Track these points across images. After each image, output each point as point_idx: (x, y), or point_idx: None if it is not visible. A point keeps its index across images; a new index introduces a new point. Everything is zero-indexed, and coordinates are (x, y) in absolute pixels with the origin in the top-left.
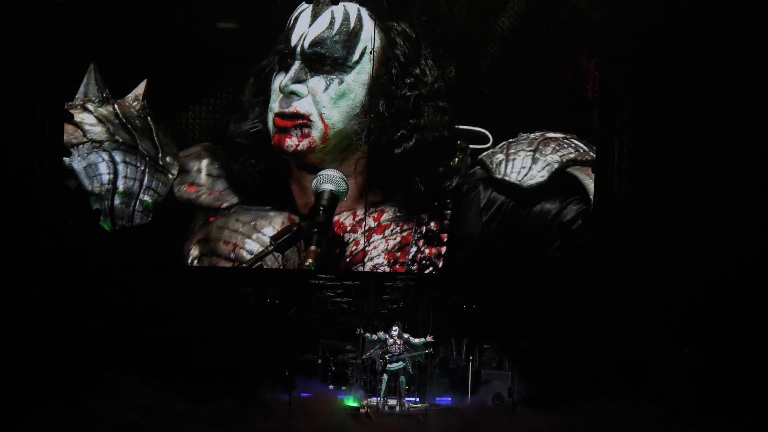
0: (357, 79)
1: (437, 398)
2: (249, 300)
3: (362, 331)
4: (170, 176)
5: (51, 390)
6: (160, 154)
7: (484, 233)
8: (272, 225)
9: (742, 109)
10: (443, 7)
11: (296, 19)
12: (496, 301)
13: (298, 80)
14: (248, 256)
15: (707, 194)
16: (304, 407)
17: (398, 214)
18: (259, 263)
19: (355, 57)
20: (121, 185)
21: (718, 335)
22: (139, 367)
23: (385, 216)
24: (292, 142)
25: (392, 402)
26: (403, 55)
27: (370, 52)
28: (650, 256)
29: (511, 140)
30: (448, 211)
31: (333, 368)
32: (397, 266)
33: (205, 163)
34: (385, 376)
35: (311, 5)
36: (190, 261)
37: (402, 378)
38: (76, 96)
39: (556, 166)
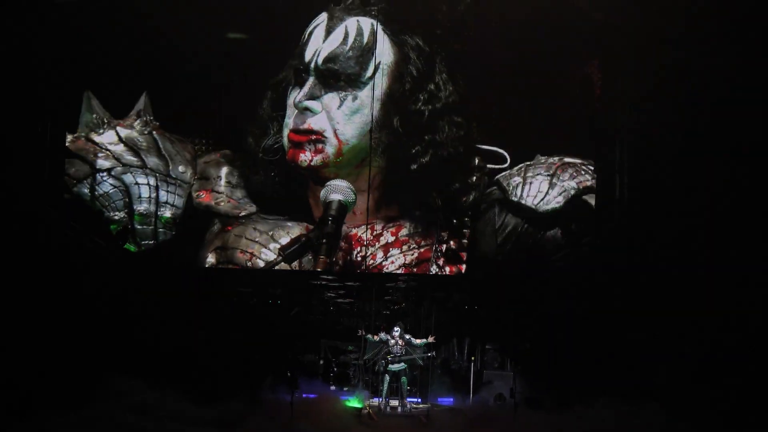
0: (371, 95)
1: (439, 399)
2: (251, 301)
3: (364, 333)
4: (185, 186)
5: (54, 392)
6: (170, 167)
7: (498, 254)
8: (289, 235)
9: (744, 110)
10: (457, 20)
11: (311, 33)
12: (498, 303)
13: (312, 96)
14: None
15: (708, 196)
16: (306, 408)
17: (416, 229)
18: None
19: (369, 73)
20: (136, 208)
21: (718, 336)
22: (140, 368)
23: (403, 231)
24: (306, 157)
25: (394, 403)
26: (416, 70)
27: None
28: (650, 258)
29: (528, 163)
30: (466, 230)
31: (335, 369)
32: None
33: (224, 171)
34: (387, 377)
35: (325, 20)
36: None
37: (404, 379)
38: (78, 129)
39: (572, 192)
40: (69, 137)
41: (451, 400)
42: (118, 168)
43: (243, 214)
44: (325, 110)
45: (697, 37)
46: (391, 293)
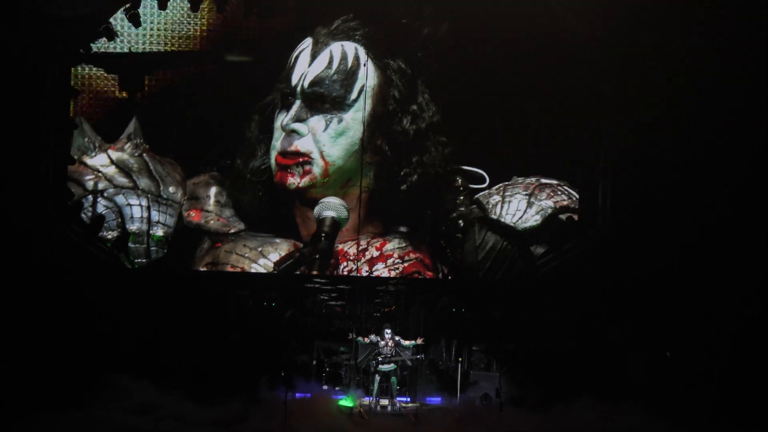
0: (356, 117)
1: (428, 398)
2: (246, 303)
3: (355, 336)
4: (176, 205)
5: (54, 392)
6: (161, 188)
7: (479, 270)
8: (278, 251)
9: (727, 121)
10: (439, 43)
11: (296, 58)
12: (484, 306)
13: (298, 119)
14: None
15: (692, 201)
16: (299, 407)
17: (401, 245)
18: None
19: (353, 95)
20: (129, 227)
21: (698, 337)
22: (135, 368)
23: (388, 246)
24: (294, 180)
25: (384, 402)
26: (399, 92)
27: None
28: (633, 261)
29: (507, 183)
30: (449, 250)
31: (327, 369)
32: None
33: (213, 191)
34: (377, 377)
35: (310, 45)
36: None
37: (393, 379)
38: (71, 152)
39: (549, 211)
40: None
41: (439, 399)
42: (111, 190)
43: (232, 231)
44: (311, 132)
45: (682, 50)
46: (381, 296)
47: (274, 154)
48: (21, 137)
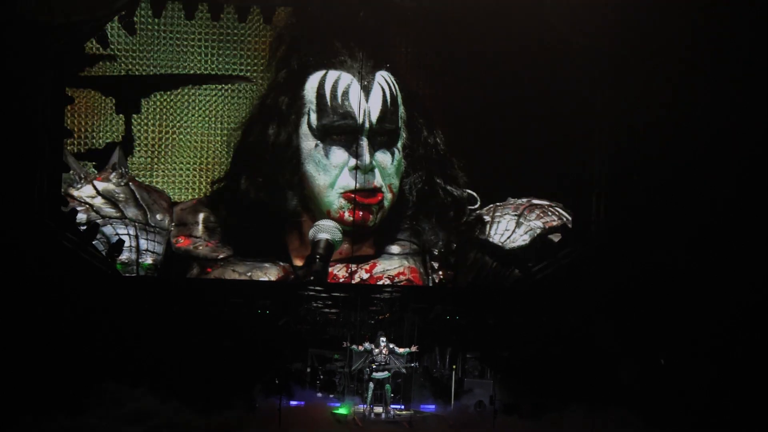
0: (399, 146)
1: (422, 405)
2: (241, 311)
3: (349, 344)
4: (164, 232)
5: (47, 400)
6: (148, 216)
7: (470, 290)
8: (267, 275)
9: (721, 129)
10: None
11: (343, 92)
12: (478, 314)
13: (371, 156)
14: None
15: (686, 209)
16: (294, 415)
17: (390, 267)
18: None
19: (400, 123)
20: (118, 257)
21: (692, 344)
22: (129, 377)
23: (378, 268)
24: (374, 218)
25: (378, 409)
26: (420, 116)
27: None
28: (627, 268)
29: (498, 204)
30: (440, 272)
31: (321, 377)
32: None
33: (201, 216)
34: (371, 385)
35: (353, 79)
36: None
37: (388, 386)
38: None
39: (538, 231)
40: None
41: (433, 406)
42: (98, 221)
43: (221, 257)
44: (378, 167)
45: (678, 61)
46: (376, 304)
47: (338, 192)
48: (15, 145)
